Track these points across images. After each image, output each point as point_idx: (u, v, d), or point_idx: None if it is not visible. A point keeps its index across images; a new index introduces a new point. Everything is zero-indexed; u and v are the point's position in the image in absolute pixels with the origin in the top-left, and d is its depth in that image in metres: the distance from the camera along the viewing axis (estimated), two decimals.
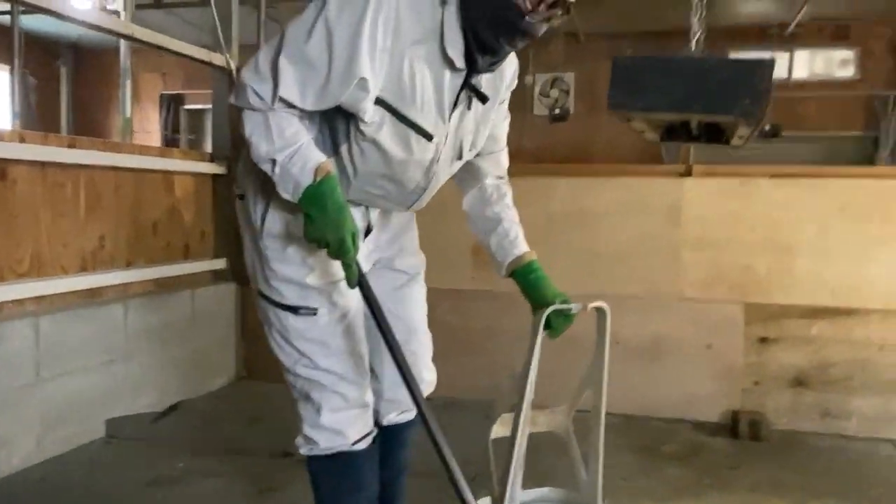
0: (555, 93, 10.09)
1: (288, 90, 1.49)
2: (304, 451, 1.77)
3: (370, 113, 1.55)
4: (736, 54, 10.05)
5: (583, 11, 8.75)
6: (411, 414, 1.93)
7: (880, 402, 3.21)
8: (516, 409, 1.67)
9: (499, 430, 1.75)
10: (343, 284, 1.67)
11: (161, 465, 2.70)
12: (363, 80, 1.49)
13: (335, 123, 1.61)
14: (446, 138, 1.66)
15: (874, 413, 3.22)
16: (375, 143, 1.60)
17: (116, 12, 3.78)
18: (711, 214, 3.35)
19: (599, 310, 1.74)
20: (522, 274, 1.83)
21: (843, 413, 3.25)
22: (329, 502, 1.80)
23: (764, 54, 9.34)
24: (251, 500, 2.43)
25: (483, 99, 1.67)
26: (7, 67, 7.31)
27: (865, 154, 9.70)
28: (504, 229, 1.86)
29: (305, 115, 1.57)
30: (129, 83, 3.91)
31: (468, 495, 1.62)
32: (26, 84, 11.10)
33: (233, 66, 3.71)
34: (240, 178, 1.77)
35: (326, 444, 1.73)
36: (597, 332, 1.77)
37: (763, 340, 3.32)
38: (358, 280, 1.58)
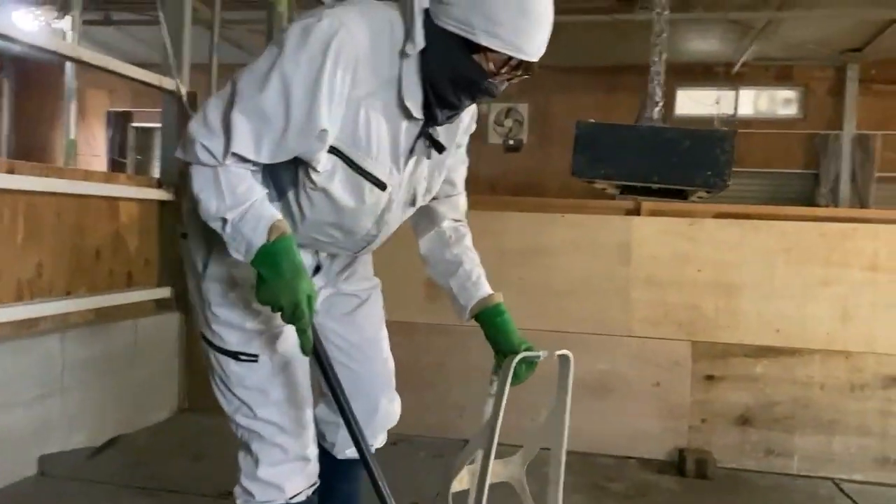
0: (509, 122, 10.22)
1: (241, 145, 1.44)
2: (240, 501, 1.72)
3: (323, 162, 1.51)
4: (683, 92, 10.35)
5: None
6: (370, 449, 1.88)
7: (822, 441, 3.28)
8: (482, 461, 1.62)
9: (457, 485, 1.72)
10: (286, 331, 1.63)
11: None
12: (323, 131, 1.46)
13: (278, 168, 1.55)
14: (400, 186, 1.63)
15: (816, 452, 3.28)
16: (326, 192, 1.56)
17: (62, 32, 3.67)
18: (661, 253, 3.40)
19: (563, 357, 1.70)
20: (489, 316, 1.78)
21: (786, 451, 3.31)
22: None
23: (710, 93, 9.63)
24: None
25: (440, 149, 1.64)
26: None
27: (806, 190, 10.04)
28: (465, 271, 1.82)
29: (258, 167, 1.52)
30: (73, 104, 3.81)
31: None
32: None
33: (183, 90, 3.64)
34: (184, 217, 1.71)
35: (262, 497, 1.69)
36: (558, 380, 1.72)
37: (710, 378, 3.37)
38: (313, 346, 1.52)
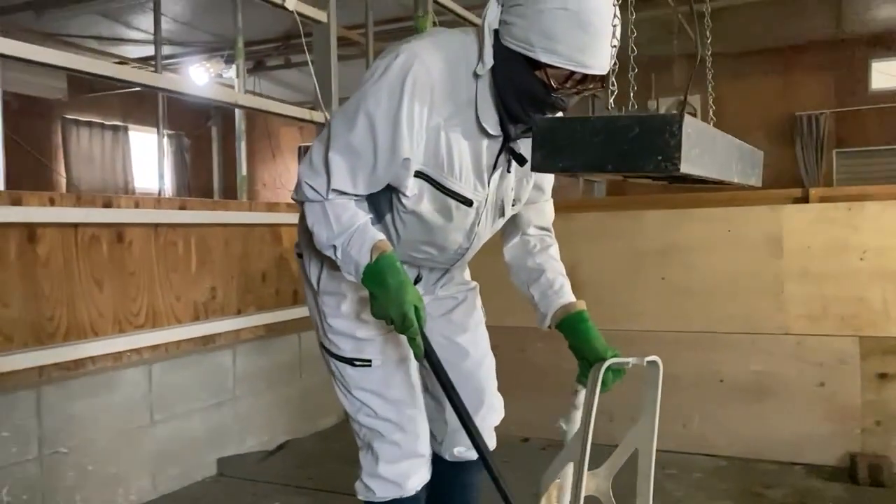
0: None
1: (340, 181, 1.59)
2: (361, 496, 1.84)
3: (411, 187, 1.63)
4: (879, 63, 9.38)
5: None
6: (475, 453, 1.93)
7: None
8: (576, 473, 1.59)
9: (545, 503, 1.70)
10: (396, 336, 1.75)
11: (261, 503, 2.87)
12: (406, 160, 1.58)
13: (377, 196, 1.68)
14: (486, 201, 1.71)
15: None
16: (416, 214, 1.67)
17: (231, 84, 4.12)
18: (814, 243, 3.15)
19: (652, 363, 1.65)
20: (571, 323, 1.77)
21: None
22: None
23: None
24: None
25: (521, 161, 1.68)
26: (155, 131, 8.14)
27: None
28: (548, 279, 1.83)
29: (360, 197, 1.65)
30: (243, 144, 4.26)
31: None
32: (182, 145, 12.28)
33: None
34: (299, 239, 1.88)
35: (382, 493, 1.80)
36: (649, 387, 1.66)
37: (882, 376, 3.06)
38: (425, 352, 1.62)
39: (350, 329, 1.77)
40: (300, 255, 1.88)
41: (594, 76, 1.50)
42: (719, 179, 1.19)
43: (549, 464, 1.71)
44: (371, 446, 1.80)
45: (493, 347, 2.00)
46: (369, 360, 1.77)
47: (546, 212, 1.93)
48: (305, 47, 3.77)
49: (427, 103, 1.55)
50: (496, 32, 1.55)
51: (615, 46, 1.49)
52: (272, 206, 3.86)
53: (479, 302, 2.02)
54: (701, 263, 3.34)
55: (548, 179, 1.89)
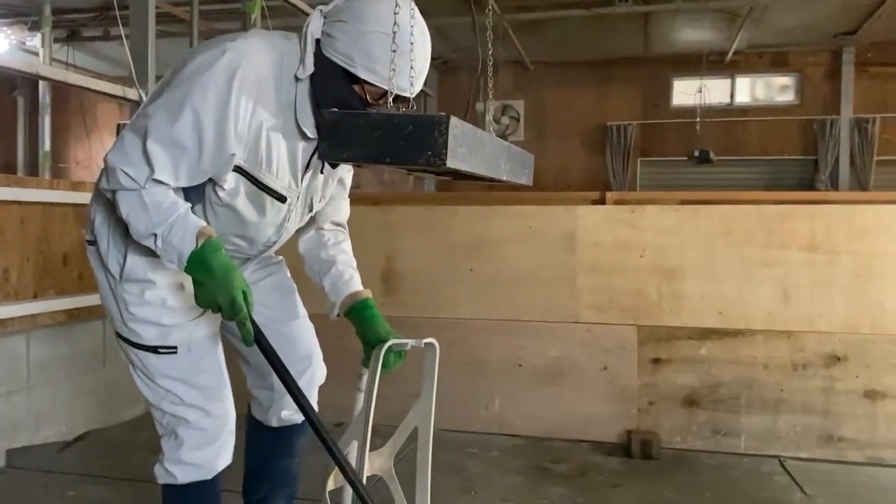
0: (505, 120, 10.27)
1: (162, 172, 1.58)
2: (161, 481, 1.85)
3: (229, 181, 1.67)
4: (680, 82, 10.35)
5: (528, 42, 8.99)
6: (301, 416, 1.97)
7: (767, 420, 3.34)
8: (359, 449, 1.70)
9: (332, 483, 1.78)
10: (202, 321, 1.78)
11: (52, 495, 2.75)
12: (232, 155, 1.62)
13: (189, 188, 1.68)
14: (298, 198, 1.79)
15: (762, 431, 3.34)
16: (230, 208, 1.72)
17: (35, 51, 3.86)
18: (604, 240, 3.49)
19: (430, 345, 1.78)
20: (357, 310, 1.90)
21: (732, 431, 3.37)
22: None
23: (707, 82, 9.63)
24: None
25: (333, 165, 1.79)
26: None
27: (806, 176, 9.98)
28: (338, 271, 1.95)
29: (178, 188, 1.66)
30: (48, 118, 4.01)
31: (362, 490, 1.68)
32: None
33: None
34: (94, 225, 1.81)
35: (185, 478, 1.81)
36: (425, 367, 1.80)
37: (656, 361, 3.45)
38: (255, 336, 1.64)
39: (155, 316, 1.76)
40: (92, 243, 1.82)
41: (405, 98, 1.63)
42: (489, 176, 1.34)
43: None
44: (175, 432, 1.81)
45: None
46: (175, 347, 1.78)
47: (342, 209, 2.04)
48: (119, 20, 3.61)
49: (252, 101, 1.61)
50: (318, 42, 1.65)
51: (424, 72, 1.65)
52: (77, 185, 3.67)
53: (288, 273, 2.09)
54: (507, 257, 3.59)
55: (348, 175, 2.00)
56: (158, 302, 1.76)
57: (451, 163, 1.08)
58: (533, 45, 9.19)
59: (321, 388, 2.08)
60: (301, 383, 1.78)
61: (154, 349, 1.77)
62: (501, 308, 3.58)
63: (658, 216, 3.43)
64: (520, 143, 10.59)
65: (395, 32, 1.53)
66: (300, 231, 2.00)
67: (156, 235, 1.59)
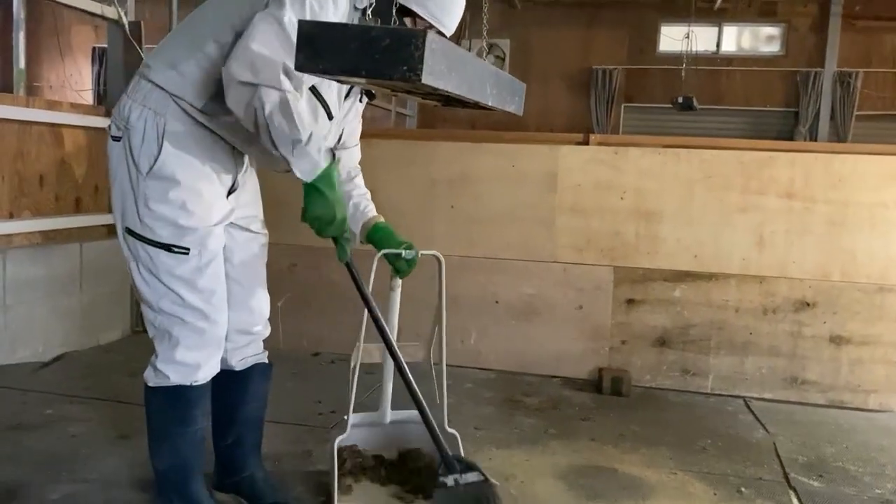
0: (490, 59, 10.13)
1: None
2: (152, 383, 1.89)
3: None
4: (666, 27, 10.24)
5: None
6: (265, 356, 2.11)
7: (735, 362, 3.44)
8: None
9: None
10: (217, 230, 1.85)
11: (30, 412, 2.77)
12: None
13: None
14: (338, 123, 1.96)
15: (729, 372, 3.44)
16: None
17: None
18: (585, 181, 3.50)
19: (437, 258, 2.13)
20: (373, 232, 2.12)
21: (701, 371, 3.47)
22: (159, 433, 1.93)
23: (695, 29, 9.54)
24: (108, 444, 2.52)
25: (371, 96, 2.00)
26: None
27: (786, 128, 10.02)
28: (354, 204, 2.14)
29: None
30: (22, 35, 3.87)
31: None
32: None
33: (125, 19, 3.71)
34: (128, 121, 1.80)
35: (177, 378, 1.86)
36: (438, 277, 2.16)
37: (630, 302, 3.51)
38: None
39: (174, 216, 1.80)
40: (117, 139, 1.82)
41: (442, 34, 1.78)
42: (474, 100, 1.33)
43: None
44: (170, 332, 1.85)
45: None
46: (187, 249, 1.82)
47: (355, 155, 2.23)
48: None
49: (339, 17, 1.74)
50: None
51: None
52: (54, 105, 3.59)
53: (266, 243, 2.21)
54: (486, 194, 3.59)
55: (359, 129, 2.21)
56: (179, 203, 1.80)
57: (428, 79, 1.07)
58: None
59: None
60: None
61: (167, 247, 1.82)
62: (480, 245, 3.61)
63: (641, 158, 3.45)
64: None
65: None
66: None
67: (297, 142, 1.66)
